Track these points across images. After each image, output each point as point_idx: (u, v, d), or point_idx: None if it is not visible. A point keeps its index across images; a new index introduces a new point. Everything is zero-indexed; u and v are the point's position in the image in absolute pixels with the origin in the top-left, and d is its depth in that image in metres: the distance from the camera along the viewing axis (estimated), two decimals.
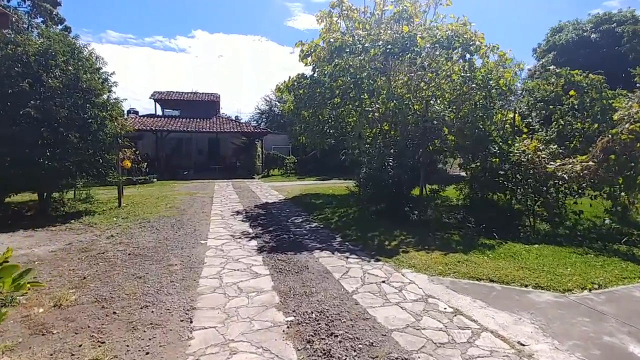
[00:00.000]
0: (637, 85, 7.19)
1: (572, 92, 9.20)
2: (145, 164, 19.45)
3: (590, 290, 4.41)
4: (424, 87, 10.09)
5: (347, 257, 5.80)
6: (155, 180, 19.74)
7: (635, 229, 7.53)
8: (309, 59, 11.23)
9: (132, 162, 13.84)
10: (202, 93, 28.31)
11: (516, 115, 10.64)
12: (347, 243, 6.76)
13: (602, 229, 7.70)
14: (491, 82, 9.39)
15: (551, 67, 9.53)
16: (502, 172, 7.71)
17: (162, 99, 26.41)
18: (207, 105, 27.17)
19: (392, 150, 8.74)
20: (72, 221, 8.43)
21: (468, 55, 9.02)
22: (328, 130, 12.00)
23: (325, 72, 9.99)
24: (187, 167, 24.16)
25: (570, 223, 7.61)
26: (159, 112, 26.67)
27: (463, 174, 10.65)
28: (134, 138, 23.81)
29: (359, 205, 10.56)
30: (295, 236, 7.29)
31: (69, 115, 8.47)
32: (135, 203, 11.24)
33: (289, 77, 12.01)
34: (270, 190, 15.97)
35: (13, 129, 7.92)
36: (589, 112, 8.90)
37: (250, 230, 7.77)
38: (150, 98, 26.11)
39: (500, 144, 7.99)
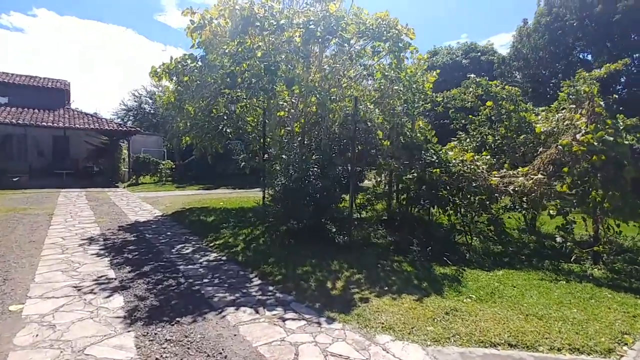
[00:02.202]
0: (571, 97, 6.91)
1: (489, 103, 8.92)
2: None
3: (628, 345, 3.30)
4: (344, 84, 8.63)
5: (283, 319, 3.69)
6: None
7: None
8: (200, 36, 8.65)
9: None
10: (45, 78, 22.02)
11: (425, 123, 10.17)
12: (271, 288, 4.61)
13: (528, 243, 7.31)
14: (414, 85, 8.56)
15: (472, 76, 9.14)
16: (443, 184, 6.66)
17: None
18: (51, 94, 21.15)
19: (315, 157, 6.93)
20: None
21: (397, 52, 7.88)
22: (225, 130, 9.55)
23: (226, 52, 7.64)
24: (19, 172, 18.10)
25: (515, 242, 6.97)
26: None
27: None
28: None
29: (265, 223, 8.42)
30: (188, 280, 4.79)
31: None
32: None
33: (171, 57, 9.22)
34: (141, 203, 12.43)
35: None
36: (505, 123, 8.69)
37: (112, 274, 4.93)
38: None
39: (439, 152, 6.96)
